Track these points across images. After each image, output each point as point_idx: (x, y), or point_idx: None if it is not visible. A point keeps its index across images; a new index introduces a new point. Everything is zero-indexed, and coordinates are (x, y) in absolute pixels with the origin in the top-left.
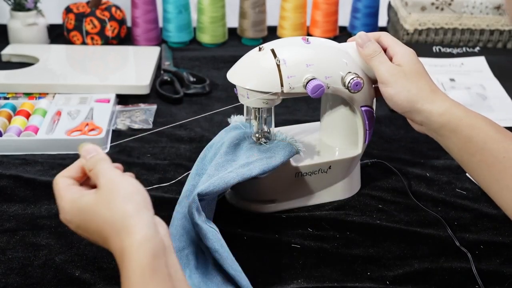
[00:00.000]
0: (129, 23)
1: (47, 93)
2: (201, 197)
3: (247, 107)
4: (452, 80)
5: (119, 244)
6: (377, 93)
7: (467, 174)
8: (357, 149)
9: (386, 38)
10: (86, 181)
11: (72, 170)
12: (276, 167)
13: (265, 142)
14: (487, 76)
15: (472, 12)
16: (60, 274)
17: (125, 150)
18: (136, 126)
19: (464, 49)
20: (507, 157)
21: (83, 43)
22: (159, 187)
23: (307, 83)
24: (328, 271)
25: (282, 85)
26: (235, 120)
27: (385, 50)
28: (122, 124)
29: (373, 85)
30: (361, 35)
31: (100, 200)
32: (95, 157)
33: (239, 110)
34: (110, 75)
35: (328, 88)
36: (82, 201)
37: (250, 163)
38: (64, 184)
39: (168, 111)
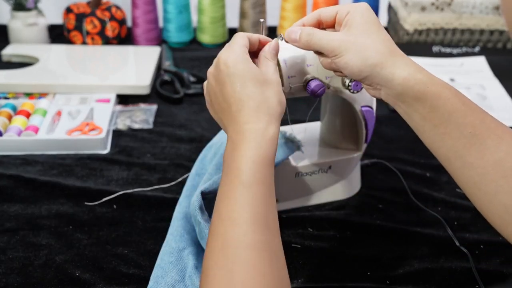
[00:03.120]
0: (129, 23)
1: (48, 93)
2: (205, 195)
3: None
4: (452, 80)
5: (246, 125)
6: (335, 71)
7: None
8: (357, 149)
9: (327, 9)
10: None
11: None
12: (278, 164)
13: None
14: (487, 76)
15: (472, 12)
16: (60, 274)
17: (125, 150)
18: (136, 126)
19: (464, 49)
20: (473, 132)
21: (84, 43)
22: (159, 187)
23: (307, 83)
24: (328, 271)
25: (282, 85)
26: None
27: (334, 24)
28: (122, 124)
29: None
30: (287, 32)
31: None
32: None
33: None
34: (111, 75)
35: (329, 88)
36: (251, 66)
37: None
38: (245, 42)
39: (168, 111)
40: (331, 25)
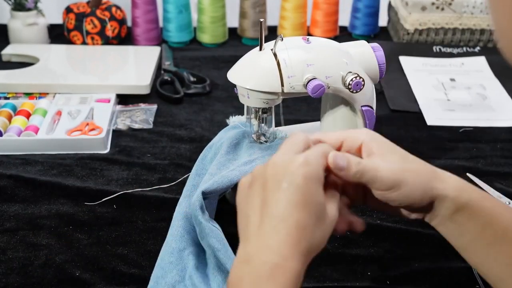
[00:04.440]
0: (129, 23)
1: (48, 93)
2: (205, 195)
3: (247, 106)
4: (452, 80)
5: (279, 257)
6: (380, 205)
7: (467, 174)
8: None
9: (330, 138)
10: None
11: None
12: None
13: (265, 141)
14: (488, 76)
15: (473, 12)
16: (60, 274)
17: (125, 150)
18: (136, 126)
19: (464, 49)
20: None
21: (84, 43)
22: (159, 187)
23: (307, 83)
24: (328, 271)
25: (282, 85)
26: (233, 120)
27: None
28: (122, 124)
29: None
30: (334, 156)
31: None
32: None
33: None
34: (111, 75)
35: (329, 88)
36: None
37: (252, 161)
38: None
39: (169, 111)
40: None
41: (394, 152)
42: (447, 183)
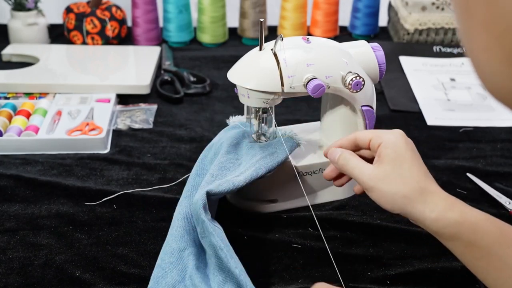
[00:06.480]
0: (129, 23)
1: (48, 93)
2: (209, 196)
3: (247, 106)
4: (452, 80)
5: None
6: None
7: (467, 174)
8: None
9: (362, 134)
10: None
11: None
12: (280, 162)
13: (265, 141)
14: None
15: None
16: (60, 274)
17: (125, 150)
18: (136, 126)
19: (464, 48)
20: None
21: (84, 43)
22: (159, 187)
23: (307, 82)
24: (328, 271)
25: (282, 85)
26: (233, 120)
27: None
28: (122, 124)
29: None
30: (330, 150)
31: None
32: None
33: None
34: (111, 75)
35: (329, 87)
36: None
37: (255, 163)
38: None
39: (169, 111)
40: (368, 149)
41: (395, 163)
42: (427, 207)
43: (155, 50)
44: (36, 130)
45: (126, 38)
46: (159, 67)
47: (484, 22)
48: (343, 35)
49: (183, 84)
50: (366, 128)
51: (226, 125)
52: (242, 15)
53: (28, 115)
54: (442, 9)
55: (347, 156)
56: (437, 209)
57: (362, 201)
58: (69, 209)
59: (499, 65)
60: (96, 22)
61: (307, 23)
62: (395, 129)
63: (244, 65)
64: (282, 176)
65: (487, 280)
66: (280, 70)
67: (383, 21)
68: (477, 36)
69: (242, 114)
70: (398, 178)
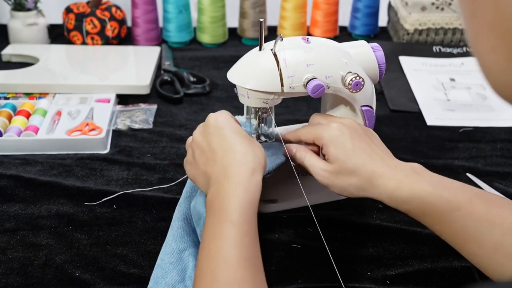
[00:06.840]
0: (129, 23)
1: (47, 93)
2: None
3: (247, 106)
4: (452, 80)
5: (233, 168)
6: None
7: (467, 174)
8: None
9: (306, 137)
10: None
11: None
12: (280, 164)
13: (265, 141)
14: None
15: None
16: (60, 274)
17: (125, 150)
18: (136, 126)
19: (464, 49)
20: (465, 225)
21: (83, 43)
22: (159, 187)
23: (307, 82)
24: (328, 271)
25: (282, 85)
26: None
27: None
28: (122, 124)
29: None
30: (288, 147)
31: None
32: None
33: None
34: (110, 75)
35: (329, 88)
36: (239, 126)
37: None
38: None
39: (169, 111)
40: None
41: (340, 159)
42: (379, 190)
43: (155, 50)
44: (36, 130)
45: (126, 38)
46: (159, 67)
47: (490, 23)
48: (343, 35)
49: (183, 84)
50: None
51: None
52: (242, 15)
53: (28, 115)
54: (442, 9)
55: (302, 154)
56: (386, 192)
57: (362, 201)
58: (69, 209)
59: (506, 64)
60: (96, 22)
61: (307, 23)
62: (338, 120)
63: (244, 65)
64: (282, 176)
65: (453, 244)
66: (280, 70)
67: (383, 21)
68: (484, 37)
69: (242, 114)
70: (347, 172)
